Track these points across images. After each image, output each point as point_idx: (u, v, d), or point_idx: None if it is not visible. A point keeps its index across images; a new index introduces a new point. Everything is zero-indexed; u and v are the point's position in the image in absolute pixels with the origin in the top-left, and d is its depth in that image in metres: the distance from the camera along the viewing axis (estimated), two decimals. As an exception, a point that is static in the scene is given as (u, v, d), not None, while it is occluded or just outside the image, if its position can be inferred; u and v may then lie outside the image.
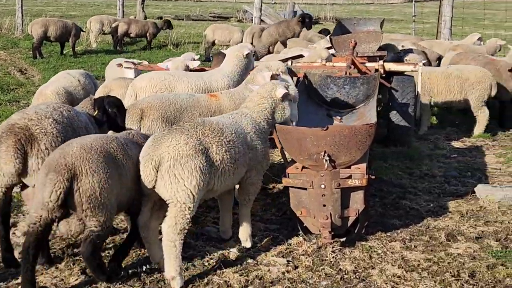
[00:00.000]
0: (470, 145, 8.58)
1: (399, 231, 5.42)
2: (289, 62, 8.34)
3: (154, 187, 4.24)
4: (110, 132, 5.14)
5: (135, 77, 7.20)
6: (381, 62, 8.02)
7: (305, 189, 4.88)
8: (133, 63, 8.00)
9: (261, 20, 31.45)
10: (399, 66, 8.12)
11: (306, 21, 13.97)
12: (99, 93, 7.03)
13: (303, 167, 4.93)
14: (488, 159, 7.90)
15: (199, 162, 4.22)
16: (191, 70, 7.29)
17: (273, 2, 54.53)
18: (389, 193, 6.38)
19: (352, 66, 7.65)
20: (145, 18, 34.85)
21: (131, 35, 18.23)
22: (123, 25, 18.20)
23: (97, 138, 4.22)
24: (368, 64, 8.01)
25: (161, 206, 4.35)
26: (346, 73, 7.24)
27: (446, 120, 9.95)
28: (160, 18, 35.45)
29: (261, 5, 17.81)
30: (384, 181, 6.74)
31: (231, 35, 16.39)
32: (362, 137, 4.77)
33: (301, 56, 9.01)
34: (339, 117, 6.27)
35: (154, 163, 4.18)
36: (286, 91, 4.97)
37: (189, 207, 4.21)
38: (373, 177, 4.93)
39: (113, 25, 18.34)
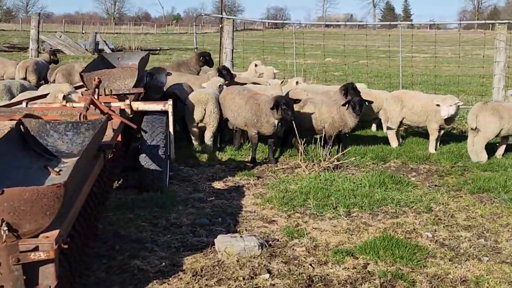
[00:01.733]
0: (232, 185, 8.14)
1: (113, 302, 4.70)
2: (23, 104, 7.46)
3: None
4: None
5: None
6: (127, 101, 7.35)
7: (-21, 266, 3.99)
8: None
9: (60, 51, 30.04)
10: (147, 105, 7.50)
11: (207, 59, 12.92)
12: None
13: (-21, 240, 4.05)
14: (245, 200, 7.47)
15: None
16: None
17: (83, 32, 52.92)
18: (121, 252, 5.64)
19: (93, 107, 6.92)
20: None
21: None
22: None
23: None
24: (114, 104, 7.30)
25: None
26: (81, 116, 6.48)
27: (213, 158, 9.55)
28: None
29: (38, 37, 16.56)
30: (121, 237, 6.02)
31: (5, 69, 15.09)
32: (49, 201, 3.99)
33: (44, 96, 8.17)
34: (56, 169, 5.45)
35: None
36: None
37: None
38: (65, 246, 4.14)
39: None
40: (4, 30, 67.58)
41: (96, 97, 7.21)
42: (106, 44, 33.15)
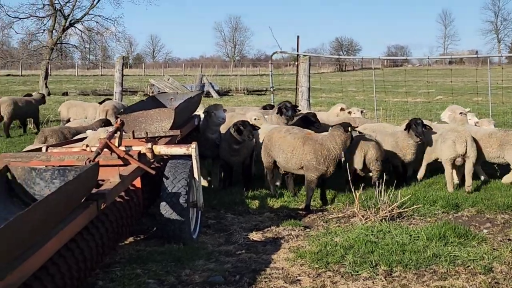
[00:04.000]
0: (270, 236, 7.36)
1: None
2: (43, 149, 7.11)
3: None
4: None
5: None
6: (149, 144, 6.81)
7: None
8: None
9: (164, 93, 30.55)
10: (170, 149, 6.92)
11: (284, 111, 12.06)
12: None
13: None
14: (277, 255, 6.63)
15: None
16: None
17: (185, 74, 54.12)
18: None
19: (106, 151, 6.45)
20: (49, 94, 33.70)
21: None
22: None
23: None
24: (134, 148, 6.79)
25: None
26: (87, 162, 6.00)
27: (265, 205, 8.82)
28: (66, 94, 34.37)
29: (122, 79, 16.61)
30: (117, 296, 5.42)
31: (85, 112, 15.21)
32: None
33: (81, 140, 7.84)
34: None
35: None
36: None
37: None
38: None
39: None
40: (128, 75, 70.80)
41: (116, 141, 6.73)
42: (212, 86, 33.46)
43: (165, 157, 7.27)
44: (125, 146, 6.77)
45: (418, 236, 7.05)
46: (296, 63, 13.85)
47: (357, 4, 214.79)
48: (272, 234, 7.45)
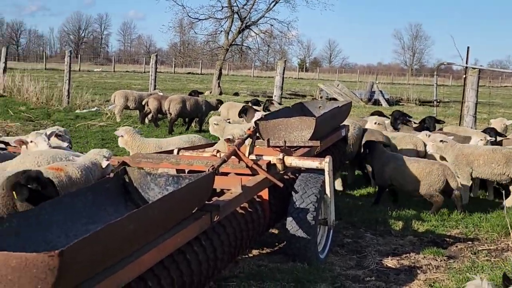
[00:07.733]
0: (407, 264, 6.67)
1: None
2: (175, 151, 7.00)
3: None
4: None
5: None
6: (280, 155, 6.44)
7: None
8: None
9: (334, 99, 30.29)
10: (302, 161, 6.50)
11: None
12: None
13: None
14: (409, 287, 6.00)
15: None
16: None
17: (359, 81, 53.26)
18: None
19: (235, 159, 6.20)
20: (220, 93, 34.70)
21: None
22: (153, 101, 17.48)
23: None
24: (266, 157, 6.46)
25: None
26: (209, 169, 5.74)
27: (408, 227, 8.12)
28: (236, 94, 35.19)
29: (282, 83, 16.40)
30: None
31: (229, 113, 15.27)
32: (39, 272, 3.29)
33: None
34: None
35: None
36: None
37: None
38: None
39: (143, 102, 17.83)
40: (302, 78, 71.52)
41: (247, 149, 6.44)
42: (382, 94, 32.59)
43: (302, 169, 6.86)
44: (256, 155, 6.46)
45: None
46: (464, 76, 12.82)
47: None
48: (409, 262, 6.79)
